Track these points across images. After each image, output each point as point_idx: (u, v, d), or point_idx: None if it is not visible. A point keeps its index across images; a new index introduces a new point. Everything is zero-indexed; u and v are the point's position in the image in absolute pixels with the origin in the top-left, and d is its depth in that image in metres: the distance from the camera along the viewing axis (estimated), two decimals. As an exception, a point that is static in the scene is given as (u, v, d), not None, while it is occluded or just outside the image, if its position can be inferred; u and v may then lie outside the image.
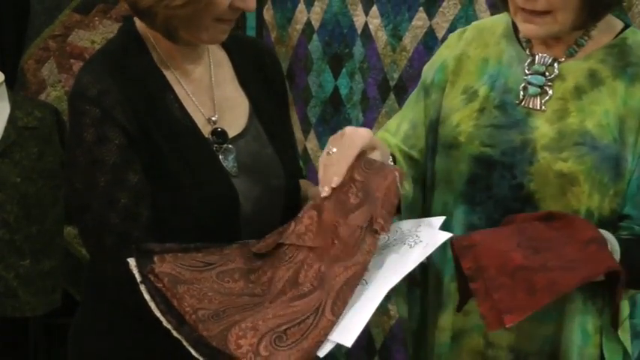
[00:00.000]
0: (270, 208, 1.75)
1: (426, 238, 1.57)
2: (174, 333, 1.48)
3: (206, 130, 1.71)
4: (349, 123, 2.90)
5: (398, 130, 1.93)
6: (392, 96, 2.78)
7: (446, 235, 1.58)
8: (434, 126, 1.88)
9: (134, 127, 1.62)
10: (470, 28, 1.94)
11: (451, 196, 1.83)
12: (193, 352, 1.45)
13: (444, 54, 1.91)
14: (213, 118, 1.73)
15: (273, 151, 1.77)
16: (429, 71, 1.93)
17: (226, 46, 1.79)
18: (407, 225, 1.62)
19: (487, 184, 1.77)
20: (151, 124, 1.64)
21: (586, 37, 1.76)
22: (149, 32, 1.71)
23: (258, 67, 1.83)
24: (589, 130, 1.71)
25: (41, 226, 2.88)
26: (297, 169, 1.87)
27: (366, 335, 2.93)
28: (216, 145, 1.71)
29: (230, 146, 1.72)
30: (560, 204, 1.71)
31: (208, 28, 1.65)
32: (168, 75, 1.71)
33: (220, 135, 1.72)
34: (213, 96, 1.75)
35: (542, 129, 1.74)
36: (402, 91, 2.75)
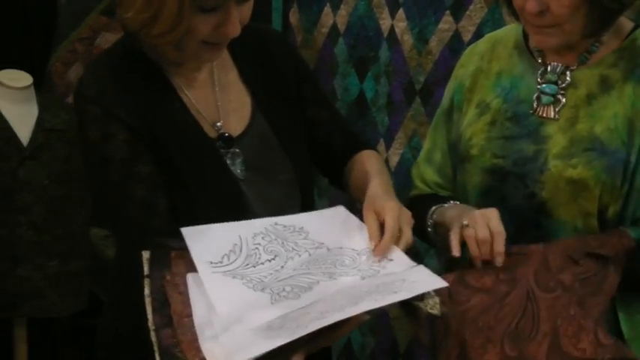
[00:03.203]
0: (285, 203, 1.73)
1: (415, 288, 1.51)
2: (152, 334, 1.46)
3: (212, 135, 1.69)
4: (375, 126, 2.90)
5: (431, 158, 1.96)
6: (417, 99, 2.77)
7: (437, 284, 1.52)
8: (454, 146, 1.89)
9: (138, 124, 1.61)
10: (482, 42, 1.96)
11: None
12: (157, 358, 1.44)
13: (460, 74, 1.93)
14: (218, 124, 1.71)
15: (279, 144, 1.75)
16: (447, 95, 1.96)
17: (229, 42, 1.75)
18: (409, 275, 1.56)
19: (501, 196, 1.78)
20: (156, 126, 1.63)
21: (597, 44, 1.77)
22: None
23: (262, 57, 1.80)
24: (598, 136, 1.72)
25: (68, 227, 2.89)
26: (308, 156, 1.83)
27: (390, 338, 2.93)
28: (222, 150, 1.69)
29: (237, 150, 1.70)
30: (573, 210, 1.72)
31: (197, 51, 1.62)
32: (173, 80, 1.69)
33: (226, 140, 1.70)
34: (217, 101, 1.72)
35: (555, 138, 1.75)
36: (427, 95, 2.75)
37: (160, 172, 1.62)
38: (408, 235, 1.61)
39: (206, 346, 1.44)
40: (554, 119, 1.76)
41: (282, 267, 1.57)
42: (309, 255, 1.60)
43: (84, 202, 2.93)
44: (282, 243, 1.61)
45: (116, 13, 1.65)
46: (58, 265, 2.86)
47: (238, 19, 1.60)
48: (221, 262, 1.54)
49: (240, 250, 1.57)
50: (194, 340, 1.45)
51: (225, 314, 1.47)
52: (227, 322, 1.45)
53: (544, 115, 1.77)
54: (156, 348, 1.45)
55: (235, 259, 1.55)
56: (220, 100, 1.73)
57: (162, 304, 1.49)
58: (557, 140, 1.75)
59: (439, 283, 1.50)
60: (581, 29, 1.69)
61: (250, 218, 1.65)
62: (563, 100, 1.76)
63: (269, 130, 1.75)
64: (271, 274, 1.56)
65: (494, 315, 1.54)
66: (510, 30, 1.92)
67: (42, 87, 3.18)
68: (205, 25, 1.57)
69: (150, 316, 1.48)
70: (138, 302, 1.59)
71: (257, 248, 1.58)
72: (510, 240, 1.77)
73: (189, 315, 1.48)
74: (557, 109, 1.77)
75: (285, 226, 1.63)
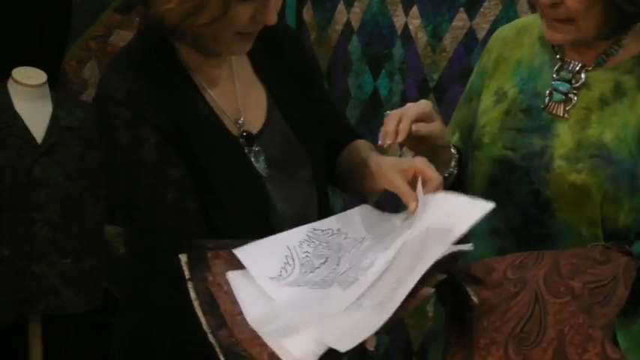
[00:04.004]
0: (305, 201, 1.73)
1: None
2: (210, 337, 1.43)
3: (234, 133, 1.67)
4: (388, 124, 2.89)
5: (451, 135, 1.95)
6: (432, 97, 2.77)
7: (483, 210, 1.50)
8: (471, 130, 1.88)
9: (166, 125, 1.58)
10: (508, 27, 1.94)
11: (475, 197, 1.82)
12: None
13: (484, 59, 1.92)
14: (240, 121, 1.69)
15: (297, 139, 1.73)
16: (472, 77, 1.95)
17: None
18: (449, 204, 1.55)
19: (507, 188, 1.76)
20: (183, 127, 1.60)
21: (616, 47, 1.74)
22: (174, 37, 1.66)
23: (275, 51, 1.78)
24: (606, 144, 1.69)
25: (83, 225, 2.90)
26: (325, 153, 1.81)
27: (404, 337, 2.93)
28: (247, 148, 1.67)
29: (259, 148, 1.68)
30: (577, 215, 1.70)
31: (230, 42, 1.60)
32: (195, 78, 1.66)
33: (248, 138, 1.68)
34: (237, 97, 1.70)
35: (563, 137, 1.73)
36: (441, 92, 2.74)
37: (189, 173, 1.60)
38: (439, 178, 1.60)
39: (275, 342, 1.41)
40: (563, 118, 1.75)
41: (337, 265, 1.56)
42: (358, 249, 1.59)
43: (98, 199, 2.94)
44: (328, 246, 1.60)
45: (142, 7, 1.59)
46: (73, 262, 2.87)
47: (275, 6, 1.59)
48: (280, 276, 1.53)
49: (293, 260, 1.56)
50: (254, 337, 1.42)
51: (304, 315, 1.46)
52: (309, 319, 1.45)
53: (554, 112, 1.76)
54: (218, 350, 1.41)
55: (292, 270, 1.54)
56: (240, 97, 1.71)
57: (211, 305, 1.45)
58: (564, 140, 1.73)
59: (485, 206, 1.50)
60: (595, 29, 1.67)
61: (275, 217, 1.65)
62: (575, 99, 1.75)
63: (286, 126, 1.74)
64: (330, 272, 1.55)
65: (500, 315, 1.52)
66: (538, 18, 1.89)
67: (56, 85, 3.19)
68: (244, 13, 1.55)
69: (202, 319, 1.44)
70: (163, 305, 1.60)
71: (307, 255, 1.57)
72: (514, 235, 1.78)
73: (240, 313, 1.45)
74: (567, 108, 1.75)
75: (323, 231, 1.62)
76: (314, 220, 1.67)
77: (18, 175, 2.79)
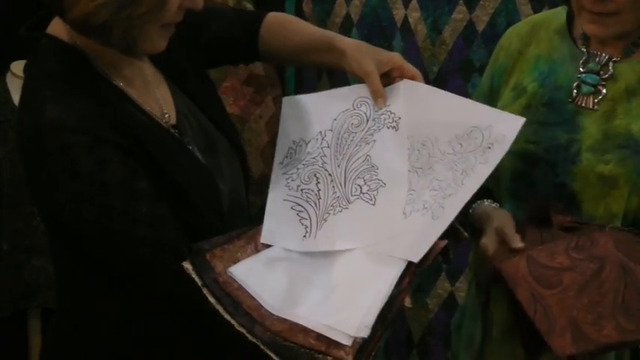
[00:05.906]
0: (233, 173, 1.70)
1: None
2: (249, 337, 1.39)
3: (168, 129, 1.62)
4: (388, 117, 2.89)
5: None
6: (431, 90, 2.77)
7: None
8: None
9: (122, 138, 1.50)
10: (522, 24, 1.93)
11: (499, 191, 1.82)
12: (273, 357, 1.37)
13: (500, 56, 1.91)
14: (166, 116, 1.63)
15: (204, 116, 1.70)
16: (486, 77, 1.95)
17: None
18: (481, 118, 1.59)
19: (531, 181, 1.76)
20: (133, 133, 1.53)
21: None
22: (84, 45, 1.55)
23: None
24: (634, 134, 1.69)
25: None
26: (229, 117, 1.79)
27: (404, 329, 2.93)
28: (184, 140, 1.63)
29: (188, 138, 1.64)
30: (601, 207, 1.70)
31: (152, 36, 1.51)
32: (116, 83, 1.58)
33: (179, 130, 1.63)
34: (155, 94, 1.64)
35: (590, 129, 1.73)
36: (441, 85, 2.74)
37: (152, 180, 1.54)
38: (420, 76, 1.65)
39: (318, 323, 1.40)
40: (592, 109, 1.74)
41: (330, 176, 1.59)
42: (328, 148, 1.62)
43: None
44: (303, 163, 1.61)
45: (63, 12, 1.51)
46: (72, 256, 2.87)
47: None
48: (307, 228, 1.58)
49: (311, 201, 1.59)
50: (291, 325, 1.40)
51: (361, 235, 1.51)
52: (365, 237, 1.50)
53: (583, 104, 1.75)
54: (263, 347, 1.38)
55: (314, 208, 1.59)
56: (157, 91, 1.65)
57: (234, 306, 1.42)
58: (591, 132, 1.73)
59: (518, 121, 1.55)
60: (638, 21, 1.67)
61: (222, 200, 1.63)
62: (604, 91, 1.74)
63: (191, 104, 1.69)
64: (333, 186, 1.59)
65: (596, 291, 1.54)
66: (553, 14, 1.89)
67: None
68: (175, 1, 1.50)
69: (232, 321, 1.40)
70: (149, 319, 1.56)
71: (299, 185, 1.60)
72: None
73: (261, 305, 1.43)
74: (596, 100, 1.74)
75: (291, 151, 1.63)
76: (245, 188, 1.71)
77: (17, 169, 2.78)
